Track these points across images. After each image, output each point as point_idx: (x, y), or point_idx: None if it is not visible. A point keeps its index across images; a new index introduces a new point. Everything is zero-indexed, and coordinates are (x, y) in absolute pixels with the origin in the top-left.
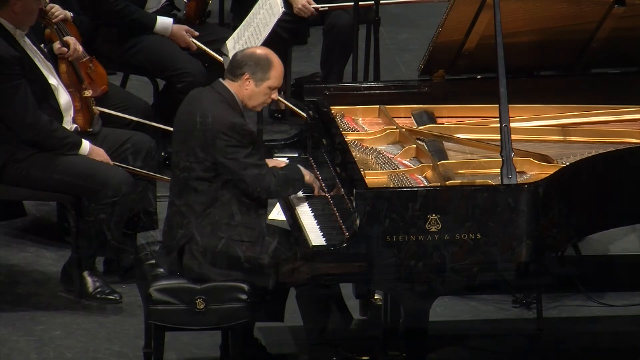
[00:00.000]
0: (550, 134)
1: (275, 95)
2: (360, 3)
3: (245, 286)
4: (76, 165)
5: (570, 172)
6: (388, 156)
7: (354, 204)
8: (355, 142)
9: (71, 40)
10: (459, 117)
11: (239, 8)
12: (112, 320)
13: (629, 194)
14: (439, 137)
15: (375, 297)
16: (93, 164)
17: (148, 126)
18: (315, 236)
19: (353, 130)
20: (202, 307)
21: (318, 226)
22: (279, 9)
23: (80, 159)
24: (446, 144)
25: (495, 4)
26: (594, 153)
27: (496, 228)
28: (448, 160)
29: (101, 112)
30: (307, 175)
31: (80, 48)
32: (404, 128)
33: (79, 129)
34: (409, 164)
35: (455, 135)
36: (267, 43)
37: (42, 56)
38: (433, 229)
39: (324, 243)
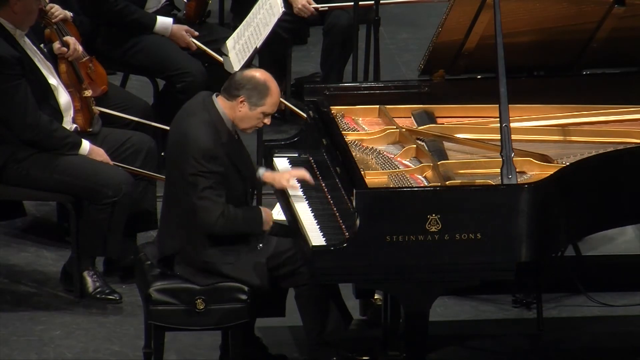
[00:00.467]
0: (550, 134)
1: (267, 121)
2: (360, 3)
3: (245, 287)
4: (76, 165)
5: (570, 172)
6: (388, 156)
7: (354, 204)
8: (355, 142)
9: (71, 40)
10: (459, 117)
11: (239, 8)
12: (112, 320)
13: (628, 194)
14: (439, 137)
15: (375, 297)
16: (93, 164)
17: (148, 126)
18: (315, 236)
19: (353, 130)
20: (202, 307)
21: (318, 226)
22: (279, 9)
23: (80, 159)
24: (446, 144)
25: (495, 4)
26: (594, 153)
27: (496, 228)
28: (448, 160)
29: (101, 112)
30: (267, 225)
31: (80, 48)
32: (404, 128)
33: (79, 129)
34: (409, 164)
35: (455, 135)
36: (267, 43)
37: (42, 56)
38: (433, 229)
39: (324, 243)
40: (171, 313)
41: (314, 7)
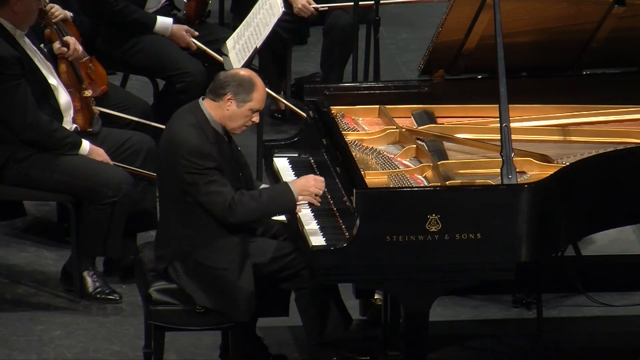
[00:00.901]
0: (550, 134)
1: (256, 119)
2: (360, 3)
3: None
4: (76, 165)
5: (570, 172)
6: (388, 156)
7: (354, 204)
8: (355, 142)
9: (71, 40)
10: (459, 117)
11: (239, 8)
12: (112, 320)
13: (628, 194)
14: (439, 137)
15: (375, 297)
16: (93, 164)
17: (148, 126)
18: (315, 236)
19: (353, 130)
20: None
21: (318, 226)
22: (279, 9)
23: (80, 159)
24: (446, 144)
25: (495, 4)
26: (594, 153)
27: (496, 228)
28: (448, 160)
29: (101, 112)
30: (307, 195)
31: (80, 48)
32: (404, 128)
33: (78, 129)
34: (409, 164)
35: (455, 135)
36: (267, 43)
37: (42, 56)
38: (433, 229)
39: (324, 243)
40: (171, 313)
41: (314, 7)
